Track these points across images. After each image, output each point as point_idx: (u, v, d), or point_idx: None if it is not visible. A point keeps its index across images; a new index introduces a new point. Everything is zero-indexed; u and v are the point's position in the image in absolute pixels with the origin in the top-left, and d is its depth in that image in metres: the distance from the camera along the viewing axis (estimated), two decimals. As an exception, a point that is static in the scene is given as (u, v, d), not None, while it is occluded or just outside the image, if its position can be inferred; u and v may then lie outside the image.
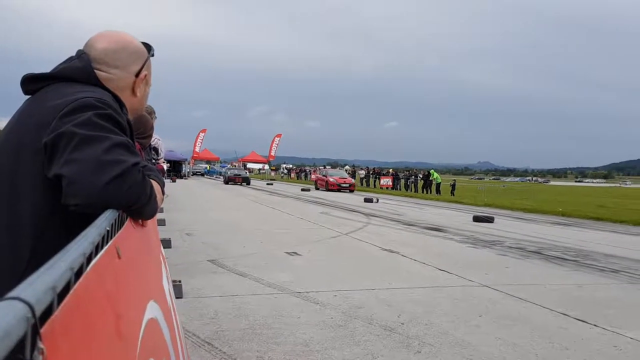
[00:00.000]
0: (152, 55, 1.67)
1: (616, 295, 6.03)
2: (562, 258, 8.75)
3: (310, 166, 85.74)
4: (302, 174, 65.08)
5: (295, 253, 8.13)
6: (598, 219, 18.07)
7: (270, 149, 76.91)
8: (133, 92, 1.59)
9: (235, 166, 63.55)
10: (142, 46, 1.63)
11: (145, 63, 1.61)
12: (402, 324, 4.53)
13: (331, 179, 34.41)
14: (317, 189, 36.03)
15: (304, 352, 3.73)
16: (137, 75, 1.58)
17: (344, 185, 33.95)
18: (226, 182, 41.15)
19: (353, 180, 36.24)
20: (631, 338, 4.34)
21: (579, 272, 7.46)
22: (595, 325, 4.70)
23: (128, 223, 1.20)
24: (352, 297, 5.42)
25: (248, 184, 40.52)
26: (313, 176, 42.26)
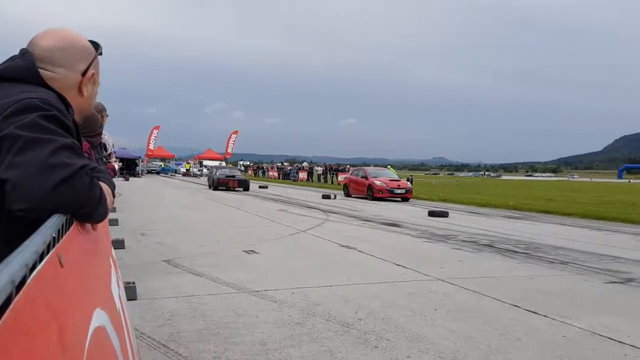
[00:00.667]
0: (100, 54, 1.62)
1: (565, 286, 6.25)
2: (513, 251, 9.01)
3: (268, 163, 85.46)
4: (260, 171, 64.82)
5: (253, 251, 8.09)
6: (547, 212, 18.67)
7: (227, 146, 76.20)
8: (80, 91, 1.53)
9: (193, 162, 61.66)
10: (89, 44, 1.58)
11: (92, 62, 1.56)
12: (360, 319, 4.57)
13: (377, 182, 23.07)
14: (348, 195, 25.28)
15: (261, 351, 3.71)
16: (83, 74, 1.53)
17: (398, 191, 22.85)
18: (215, 188, 28.49)
19: (409, 184, 24.36)
20: (579, 328, 4.50)
21: (530, 264, 7.69)
22: (545, 316, 4.85)
23: (73, 228, 1.16)
24: (311, 294, 5.43)
25: (246, 189, 28.63)
26: (342, 177, 27.62)
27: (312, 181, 47.64)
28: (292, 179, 51.32)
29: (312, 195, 25.91)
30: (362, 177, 24.59)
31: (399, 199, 22.88)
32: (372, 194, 22.97)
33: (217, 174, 29.80)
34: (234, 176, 29.52)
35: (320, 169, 51.47)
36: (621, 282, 6.54)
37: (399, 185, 23.23)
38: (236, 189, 28.58)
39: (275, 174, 58.28)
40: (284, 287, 5.68)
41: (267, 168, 65.13)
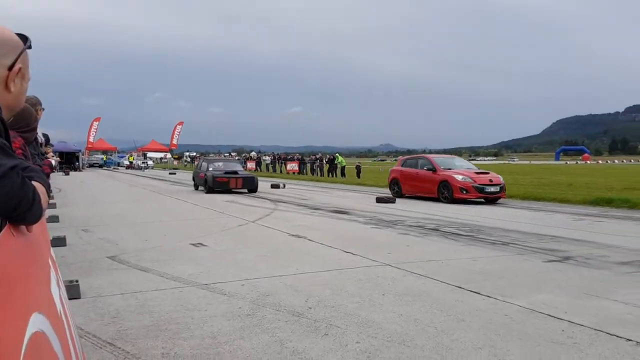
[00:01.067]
0: (29, 47, 1.55)
1: (506, 266, 6.49)
2: (457, 234, 9.27)
3: (214, 154, 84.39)
4: (206, 162, 64.05)
5: (201, 244, 7.99)
6: (490, 194, 19.25)
7: (172, 137, 74.79)
8: (6, 87, 1.46)
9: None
10: (16, 37, 1.50)
11: (19, 55, 1.49)
12: (310, 308, 4.61)
13: (458, 177, 15.93)
14: (399, 195, 17.76)
15: (211, 345, 3.69)
16: (10, 68, 1.46)
17: (492, 189, 15.76)
18: (210, 190, 19.63)
19: (501, 179, 16.49)
20: (520, 306, 4.69)
21: (473, 247, 7.94)
22: (488, 296, 5.03)
23: (5, 231, 1.12)
24: (260, 285, 5.42)
25: (253, 190, 19.89)
26: (395, 170, 18.98)
27: (261, 171, 47.42)
28: (240, 169, 50.92)
29: (260, 185, 25.72)
30: (427, 169, 17.13)
31: (482, 200, 15.91)
32: (449, 193, 15.78)
33: (211, 169, 20.76)
34: (236, 172, 20.53)
35: (268, 159, 51.31)
36: (559, 261, 6.84)
37: (490, 180, 15.90)
38: (239, 189, 19.95)
39: (223, 165, 57.63)
40: (233, 279, 5.65)
41: (214, 159, 64.33)
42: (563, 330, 4.02)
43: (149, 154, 77.41)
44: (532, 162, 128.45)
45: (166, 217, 11.89)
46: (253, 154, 61.12)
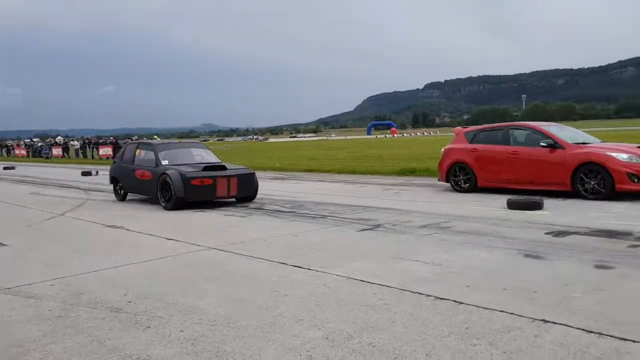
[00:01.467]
0: None
1: (325, 239, 6.86)
2: (280, 211, 9.54)
3: (13, 140, 75.48)
4: (4, 150, 56.94)
5: (1, 244, 7.14)
6: (309, 170, 20.12)
7: (-43, 123, 65.06)
8: None
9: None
10: None
11: None
12: (130, 301, 4.40)
13: (621, 158, 9.43)
14: (471, 187, 11.28)
15: (18, 353, 3.34)
16: None
17: None
18: (177, 205, 10.09)
19: None
20: (337, 275, 5.00)
21: (295, 222, 8.24)
22: (309, 269, 5.27)
23: None
24: (73, 282, 5.03)
25: (252, 197, 11.08)
26: (451, 154, 11.82)
27: (70, 157, 43.60)
28: (44, 156, 46.27)
29: (70, 173, 23.74)
30: (546, 145, 10.39)
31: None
32: (606, 183, 9.51)
33: (165, 162, 11.04)
34: (223, 167, 11.07)
35: (77, 143, 47.33)
36: (370, 229, 7.42)
37: None
38: (230, 199, 11.10)
39: (24, 152, 51.90)
40: (41, 280, 5.15)
41: (12, 146, 57.49)
42: (374, 294, 4.38)
43: None
44: (348, 137, 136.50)
45: (-45, 216, 10.39)
46: (59, 138, 55.56)
